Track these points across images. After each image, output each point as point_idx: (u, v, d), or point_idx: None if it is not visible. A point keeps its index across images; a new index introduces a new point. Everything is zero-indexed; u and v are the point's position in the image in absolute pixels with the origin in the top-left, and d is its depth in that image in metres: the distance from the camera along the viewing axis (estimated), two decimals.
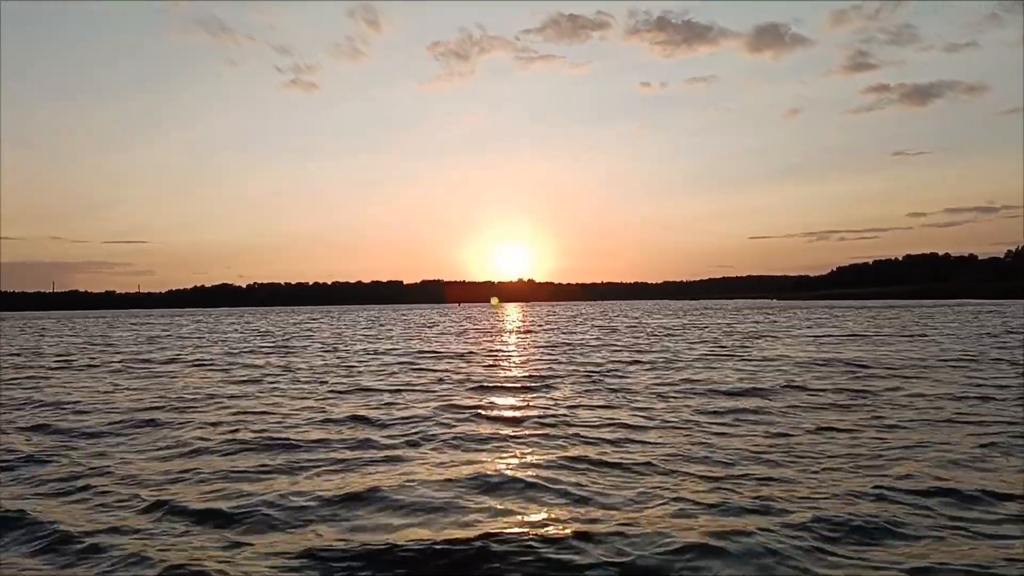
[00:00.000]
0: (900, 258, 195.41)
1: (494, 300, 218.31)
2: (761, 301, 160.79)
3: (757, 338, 27.02)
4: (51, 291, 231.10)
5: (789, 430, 8.77)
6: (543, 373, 16.01)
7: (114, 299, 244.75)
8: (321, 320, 66.47)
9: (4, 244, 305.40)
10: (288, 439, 8.59)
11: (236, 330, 45.87)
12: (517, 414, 10.36)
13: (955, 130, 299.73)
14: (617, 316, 64.15)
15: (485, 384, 14.05)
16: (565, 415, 10.12)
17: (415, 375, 16.21)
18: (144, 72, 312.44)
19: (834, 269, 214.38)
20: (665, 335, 30.63)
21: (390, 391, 13.22)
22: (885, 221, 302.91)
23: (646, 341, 26.78)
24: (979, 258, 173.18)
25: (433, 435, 8.77)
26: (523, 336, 33.24)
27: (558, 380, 14.50)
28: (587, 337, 30.16)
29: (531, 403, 11.50)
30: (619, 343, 25.90)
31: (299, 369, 18.16)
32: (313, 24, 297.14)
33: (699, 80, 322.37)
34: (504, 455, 7.68)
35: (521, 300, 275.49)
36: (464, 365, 18.66)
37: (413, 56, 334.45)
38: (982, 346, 21.05)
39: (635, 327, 39.71)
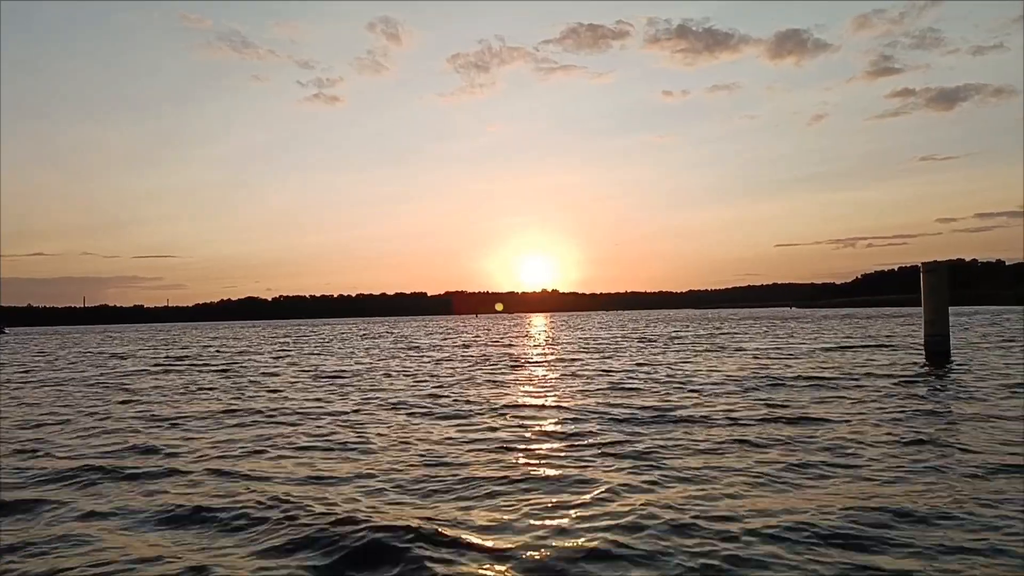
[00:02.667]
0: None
1: (499, 306, 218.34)
2: (781, 309, 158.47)
3: (719, 350, 26.30)
4: (82, 306, 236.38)
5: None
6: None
7: (143, 313, 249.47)
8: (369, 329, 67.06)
9: (38, 260, 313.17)
10: None
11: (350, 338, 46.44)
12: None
13: (983, 134, 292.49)
14: (611, 325, 63.89)
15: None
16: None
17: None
18: (171, 89, 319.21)
19: (859, 276, 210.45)
20: (612, 345, 30.45)
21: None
22: (914, 227, 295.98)
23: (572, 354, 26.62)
24: (1006, 264, 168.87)
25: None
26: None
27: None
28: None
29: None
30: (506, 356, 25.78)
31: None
32: (335, 38, 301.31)
33: (721, 88, 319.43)
34: None
35: (545, 310, 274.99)
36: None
37: (434, 68, 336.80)
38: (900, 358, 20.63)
39: (594, 339, 39.50)
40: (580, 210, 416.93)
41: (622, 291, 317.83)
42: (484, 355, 25.90)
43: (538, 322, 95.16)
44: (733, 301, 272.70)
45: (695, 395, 12.48)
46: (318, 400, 13.45)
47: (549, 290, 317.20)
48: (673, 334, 38.93)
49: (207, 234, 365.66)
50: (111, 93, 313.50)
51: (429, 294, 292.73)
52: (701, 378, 15.22)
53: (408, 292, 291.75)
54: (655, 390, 13.39)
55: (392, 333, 56.30)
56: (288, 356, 28.26)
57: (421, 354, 27.39)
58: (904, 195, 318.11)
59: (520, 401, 12.47)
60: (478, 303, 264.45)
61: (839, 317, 67.18)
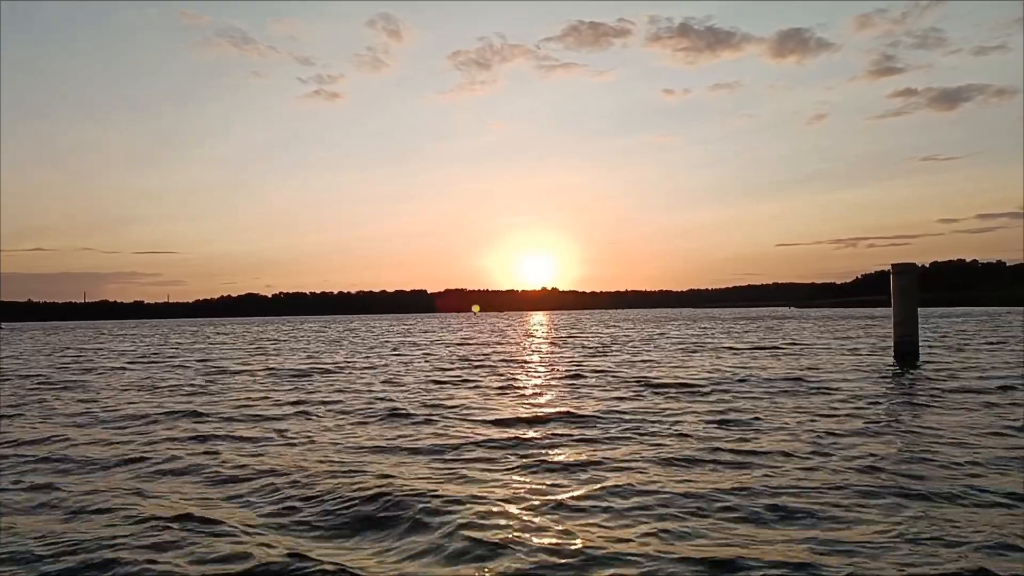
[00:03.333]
0: (927, 265, 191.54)
1: (475, 308, 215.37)
2: (780, 309, 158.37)
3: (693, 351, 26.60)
4: (82, 301, 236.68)
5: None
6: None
7: (143, 308, 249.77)
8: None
9: (38, 256, 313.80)
10: None
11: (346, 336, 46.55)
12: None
13: (985, 134, 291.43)
14: (588, 324, 63.92)
15: None
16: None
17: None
18: (170, 87, 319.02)
19: (859, 276, 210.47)
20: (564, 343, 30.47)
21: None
22: (915, 227, 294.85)
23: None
24: (1007, 264, 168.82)
25: None
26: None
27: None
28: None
29: None
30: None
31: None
32: (335, 35, 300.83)
33: (723, 86, 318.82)
34: None
35: (545, 309, 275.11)
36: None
37: (434, 66, 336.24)
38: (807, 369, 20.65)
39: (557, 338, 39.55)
40: (581, 208, 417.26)
41: (622, 290, 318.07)
42: (437, 355, 25.97)
43: (531, 320, 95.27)
44: (733, 301, 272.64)
45: (633, 395, 12.53)
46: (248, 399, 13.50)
47: (549, 288, 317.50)
48: (654, 335, 38.98)
49: (207, 231, 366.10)
50: (111, 91, 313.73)
51: (429, 291, 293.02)
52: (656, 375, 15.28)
53: (408, 290, 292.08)
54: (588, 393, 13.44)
55: (373, 329, 56.43)
56: (261, 352, 28.35)
57: (388, 353, 27.48)
58: (905, 195, 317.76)
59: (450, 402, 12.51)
60: (474, 301, 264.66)
61: (837, 318, 67.18)
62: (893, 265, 17.96)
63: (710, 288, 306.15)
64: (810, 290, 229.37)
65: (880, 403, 10.90)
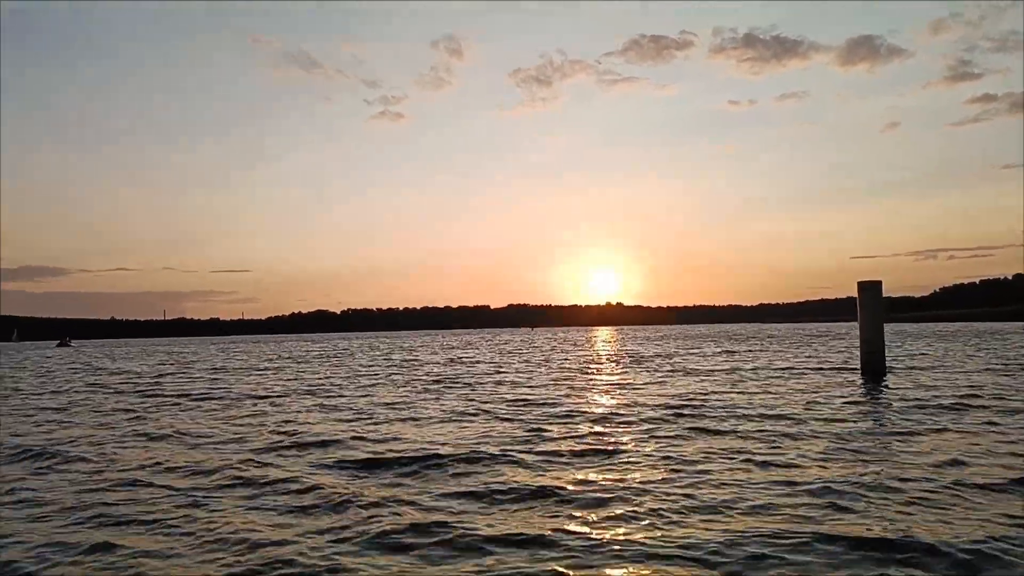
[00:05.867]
0: (1010, 277, 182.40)
1: (530, 327, 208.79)
2: (850, 324, 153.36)
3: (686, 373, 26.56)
4: (162, 319, 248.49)
5: None
6: None
7: (219, 325, 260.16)
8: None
9: (123, 275, 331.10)
10: None
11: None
12: None
13: None
14: (638, 341, 63.61)
15: None
16: None
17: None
18: (245, 110, 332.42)
19: (937, 290, 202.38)
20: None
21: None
22: (998, 238, 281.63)
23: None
24: None
25: None
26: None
27: None
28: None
29: None
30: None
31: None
32: (399, 56, 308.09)
33: (790, 96, 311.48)
34: None
35: (609, 324, 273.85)
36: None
37: (495, 83, 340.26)
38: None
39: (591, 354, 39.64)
40: (645, 221, 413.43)
41: (689, 304, 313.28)
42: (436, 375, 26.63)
43: (589, 337, 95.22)
44: (806, 314, 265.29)
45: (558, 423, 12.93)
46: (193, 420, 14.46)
47: (613, 303, 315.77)
48: (676, 351, 38.81)
49: (280, 249, 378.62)
50: (190, 115, 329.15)
51: (492, 307, 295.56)
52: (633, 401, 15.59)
53: (471, 305, 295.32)
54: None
55: (424, 347, 57.61)
56: (290, 372, 29.68)
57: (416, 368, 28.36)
58: (985, 205, 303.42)
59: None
60: (536, 316, 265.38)
61: (918, 334, 65.01)
62: (859, 282, 17.90)
63: (781, 302, 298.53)
64: (887, 303, 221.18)
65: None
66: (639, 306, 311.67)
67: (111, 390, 20.45)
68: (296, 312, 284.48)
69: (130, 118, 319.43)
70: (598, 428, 10.39)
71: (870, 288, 17.83)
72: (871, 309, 17.76)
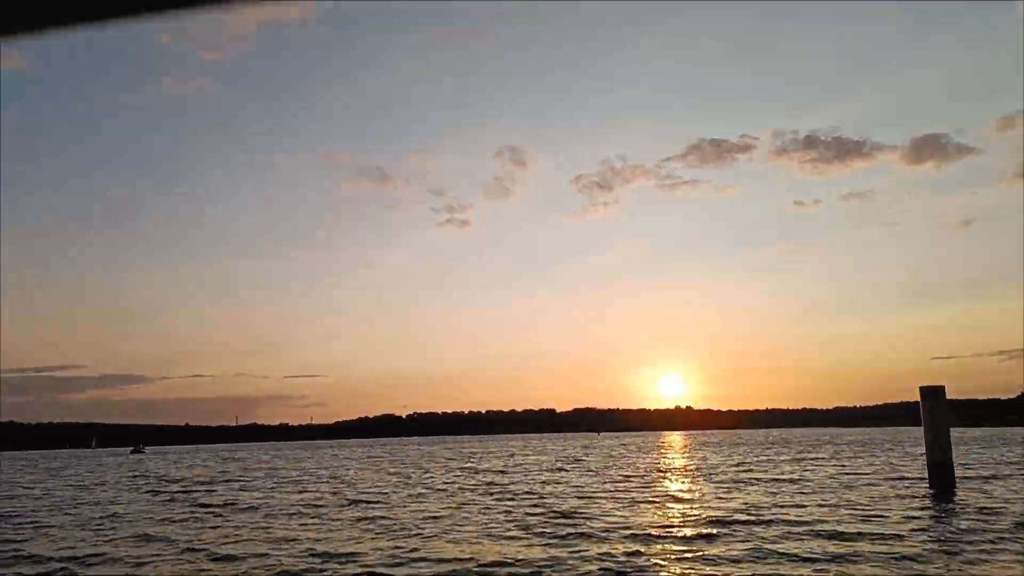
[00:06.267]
0: None
1: (595, 435, 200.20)
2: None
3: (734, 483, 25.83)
4: (234, 424, 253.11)
5: None
6: None
7: (287, 430, 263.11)
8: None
9: (197, 382, 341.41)
10: None
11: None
12: None
13: None
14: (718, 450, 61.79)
15: None
16: None
17: None
18: (318, 221, 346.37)
19: (1022, 393, 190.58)
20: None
21: None
22: None
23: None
24: None
25: None
26: None
27: None
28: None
29: None
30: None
31: None
32: (464, 167, 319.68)
33: (856, 195, 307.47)
34: None
35: (679, 428, 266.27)
36: None
37: (557, 190, 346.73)
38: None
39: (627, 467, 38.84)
40: (712, 323, 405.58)
41: (761, 407, 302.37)
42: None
43: (658, 443, 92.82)
44: (884, 418, 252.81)
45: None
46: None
47: (683, 407, 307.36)
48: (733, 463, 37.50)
49: (350, 353, 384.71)
50: (266, 228, 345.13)
51: (558, 410, 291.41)
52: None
53: (536, 409, 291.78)
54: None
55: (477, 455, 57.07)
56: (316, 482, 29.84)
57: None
58: None
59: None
60: (604, 419, 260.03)
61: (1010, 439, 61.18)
62: (921, 388, 17.28)
63: (860, 405, 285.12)
64: (970, 407, 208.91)
65: None
66: (709, 409, 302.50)
67: (158, 500, 20.99)
68: (363, 416, 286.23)
69: (210, 232, 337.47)
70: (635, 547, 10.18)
71: (931, 393, 17.17)
72: (936, 415, 17.04)
